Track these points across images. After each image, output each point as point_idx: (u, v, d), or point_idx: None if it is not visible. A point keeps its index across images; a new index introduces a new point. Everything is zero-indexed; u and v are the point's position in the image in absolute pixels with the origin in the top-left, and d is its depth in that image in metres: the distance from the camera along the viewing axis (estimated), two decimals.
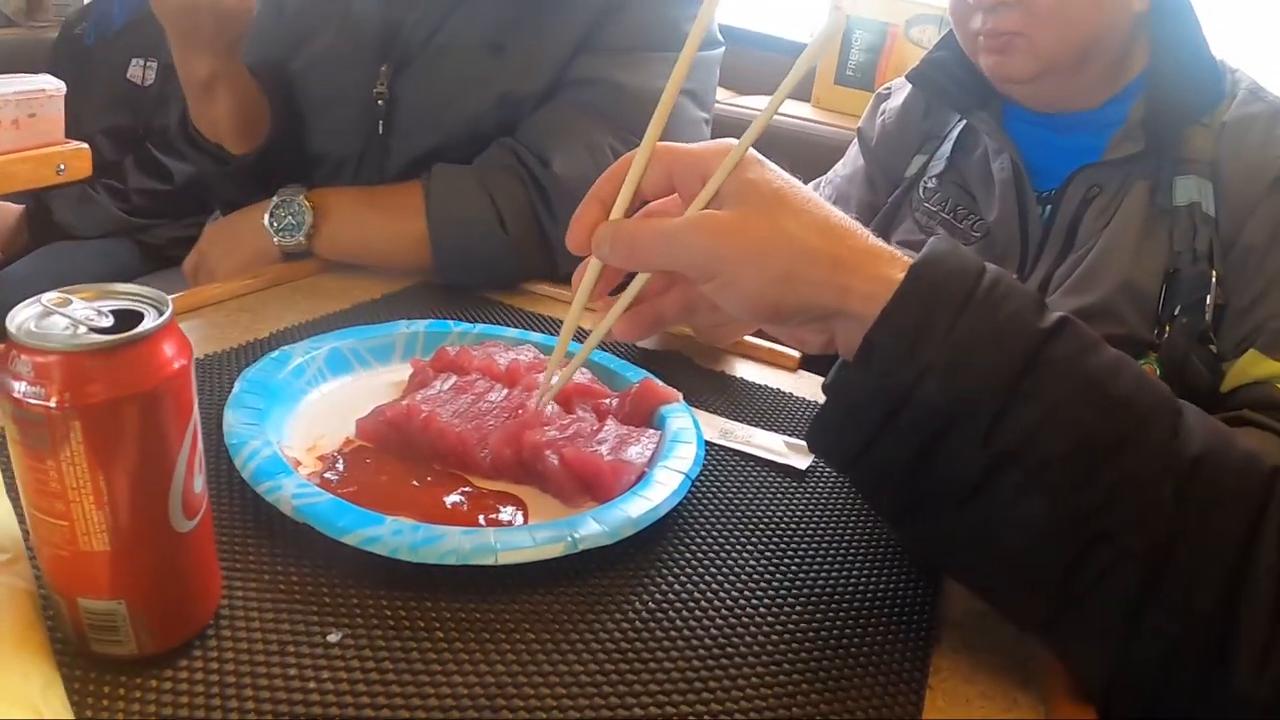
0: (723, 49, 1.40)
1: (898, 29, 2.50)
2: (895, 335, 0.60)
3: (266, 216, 1.19)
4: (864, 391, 0.61)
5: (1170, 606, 0.57)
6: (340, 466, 0.74)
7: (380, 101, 1.29)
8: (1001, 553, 0.61)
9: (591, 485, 0.74)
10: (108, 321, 0.50)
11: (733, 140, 0.66)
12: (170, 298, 0.52)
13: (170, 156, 2.24)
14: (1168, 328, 1.15)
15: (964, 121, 1.36)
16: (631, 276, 0.72)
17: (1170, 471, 0.58)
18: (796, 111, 2.40)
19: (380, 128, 1.31)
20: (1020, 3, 1.17)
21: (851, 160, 1.53)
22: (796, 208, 0.64)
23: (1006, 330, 0.60)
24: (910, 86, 1.44)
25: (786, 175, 0.67)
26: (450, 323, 0.99)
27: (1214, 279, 1.16)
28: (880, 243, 0.65)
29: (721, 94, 1.45)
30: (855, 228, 0.65)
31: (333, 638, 0.58)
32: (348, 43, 1.31)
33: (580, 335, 0.78)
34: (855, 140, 1.54)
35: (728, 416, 0.96)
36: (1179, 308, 1.15)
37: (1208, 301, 1.15)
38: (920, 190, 1.38)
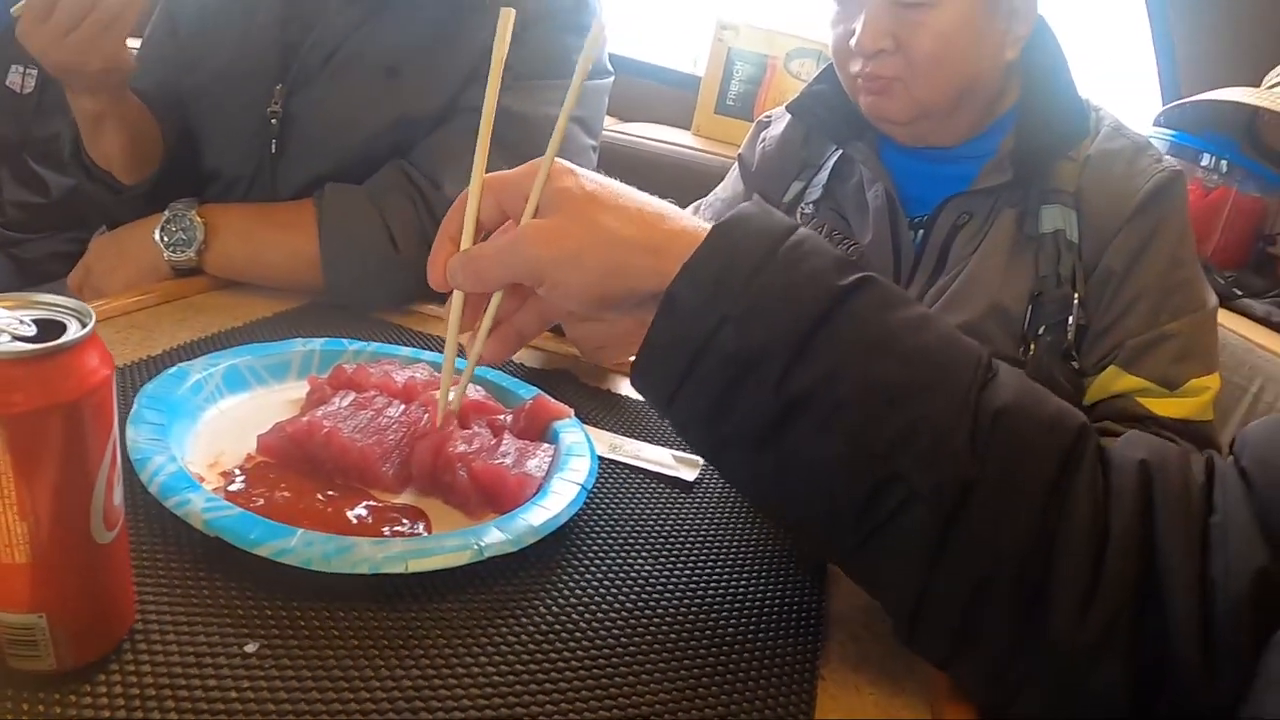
0: (612, 78, 1.43)
1: (777, 61, 2.56)
2: (694, 286, 0.64)
3: (157, 231, 1.18)
4: (669, 340, 0.65)
5: (973, 547, 0.61)
6: (244, 482, 0.74)
7: (274, 121, 1.29)
8: (800, 492, 0.66)
9: (496, 497, 0.77)
10: (31, 331, 0.50)
11: (539, 160, 0.72)
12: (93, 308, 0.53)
13: (48, 169, 2.18)
14: (1033, 346, 1.21)
15: (840, 151, 1.40)
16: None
17: (966, 418, 0.62)
18: (677, 139, 2.44)
19: (273, 148, 1.30)
20: (899, 50, 1.21)
21: (731, 184, 1.57)
22: (610, 205, 0.69)
23: (804, 285, 0.64)
24: (790, 116, 1.48)
25: (597, 177, 0.71)
26: (345, 341, 1.00)
27: (1076, 301, 1.22)
28: (695, 222, 0.69)
29: (609, 121, 1.48)
30: (668, 212, 0.70)
31: (250, 648, 0.59)
32: (243, 63, 1.31)
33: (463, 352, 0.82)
34: (735, 165, 1.58)
35: (616, 432, 0.99)
36: (1043, 328, 1.21)
37: (1070, 322, 1.21)
38: (797, 215, 1.41)
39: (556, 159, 0.71)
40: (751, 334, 0.62)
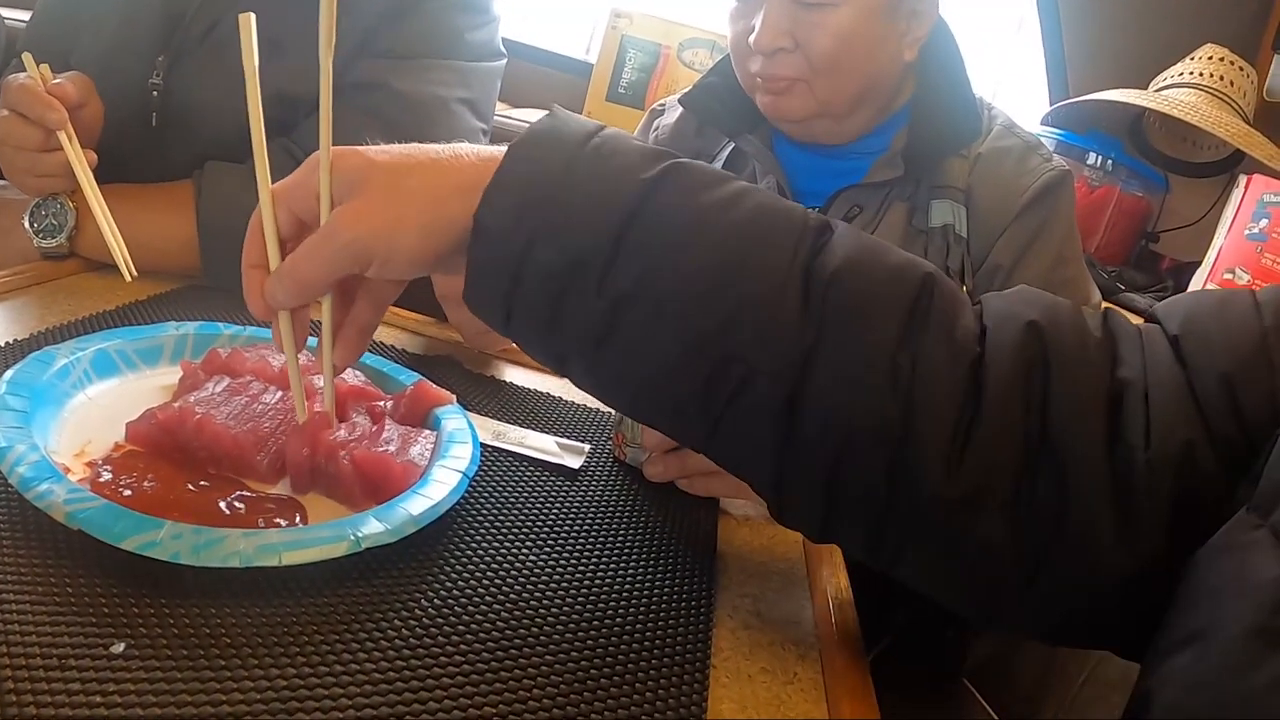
0: (504, 61, 1.41)
1: (670, 51, 2.55)
2: (499, 211, 0.63)
3: (27, 217, 1.13)
4: (486, 267, 0.65)
5: (823, 412, 0.62)
6: (111, 472, 0.71)
7: (154, 94, 1.26)
8: (646, 387, 0.66)
9: (380, 486, 0.75)
10: None
11: (316, 156, 0.69)
12: None
13: None
14: None
15: (733, 143, 1.40)
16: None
17: (794, 286, 0.62)
18: None
19: (154, 120, 1.27)
20: (797, 50, 1.21)
21: None
22: (404, 166, 0.67)
23: (607, 187, 0.64)
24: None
25: (377, 149, 0.69)
26: (220, 325, 0.97)
27: (964, 294, 1.23)
28: (491, 150, 0.68)
29: (498, 106, 1.46)
30: (461, 149, 0.68)
31: (116, 648, 0.56)
32: (128, 33, 1.28)
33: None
34: None
35: (500, 419, 0.98)
36: None
37: None
38: None
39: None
40: (564, 246, 0.62)
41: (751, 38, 1.23)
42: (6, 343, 0.91)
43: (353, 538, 0.66)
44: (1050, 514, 0.60)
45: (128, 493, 0.69)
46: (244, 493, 0.73)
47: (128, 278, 1.07)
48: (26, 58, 1.11)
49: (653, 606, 0.73)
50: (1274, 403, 0.58)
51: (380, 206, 0.66)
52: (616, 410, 0.75)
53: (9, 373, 0.77)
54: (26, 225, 1.14)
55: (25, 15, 1.55)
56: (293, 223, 0.72)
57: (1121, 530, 0.59)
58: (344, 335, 0.75)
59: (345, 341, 0.75)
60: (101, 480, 0.70)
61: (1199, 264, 1.96)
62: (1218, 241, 1.90)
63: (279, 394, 0.82)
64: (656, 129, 1.52)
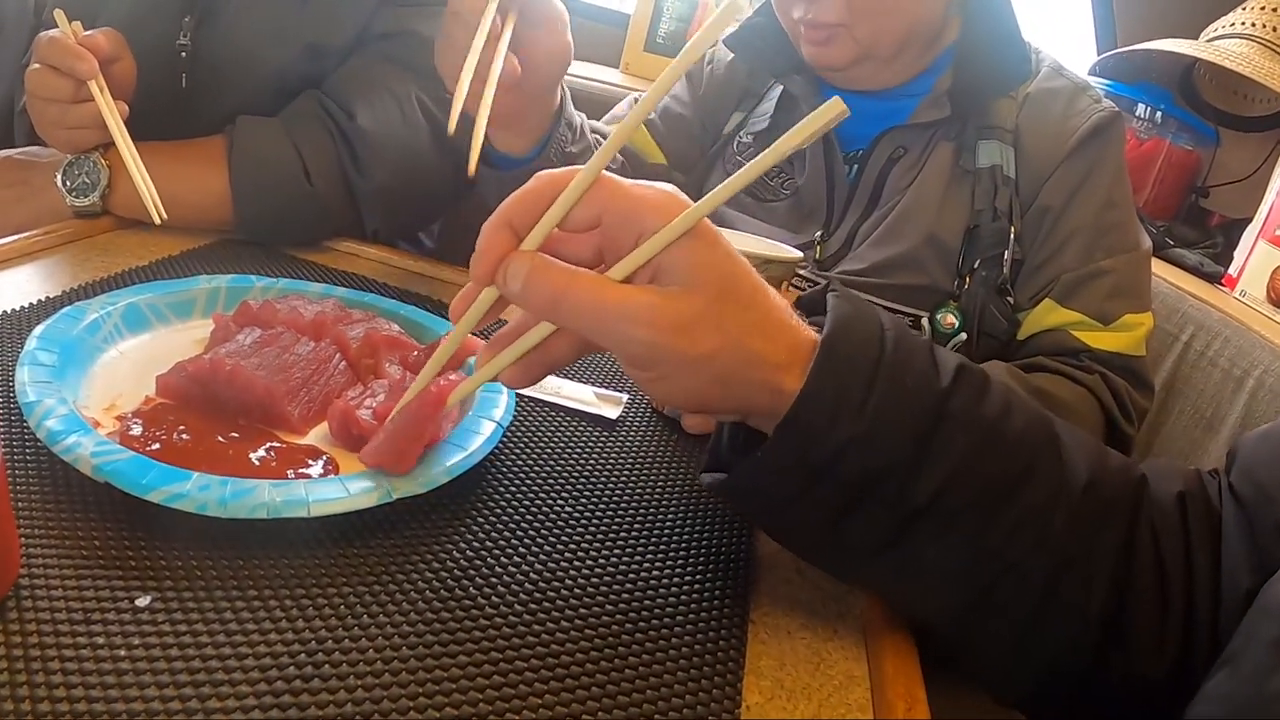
0: None
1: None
2: (814, 413, 0.60)
3: (59, 176, 1.12)
4: (782, 464, 0.62)
5: (1064, 612, 0.64)
6: (141, 425, 0.70)
7: (183, 54, 1.25)
8: (913, 591, 0.67)
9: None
10: None
11: (677, 197, 0.60)
12: None
13: None
14: (968, 279, 1.21)
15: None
16: None
17: (1063, 498, 0.64)
18: (605, 77, 2.39)
19: (183, 81, 1.26)
20: None
21: (683, 94, 1.49)
22: (743, 303, 0.60)
23: (913, 394, 0.62)
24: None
25: (734, 252, 0.61)
26: (253, 277, 0.96)
27: (1012, 236, 1.21)
28: (805, 327, 0.63)
29: None
30: (787, 318, 0.63)
31: (141, 601, 0.55)
32: None
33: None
34: (684, 81, 1.49)
35: None
36: (978, 261, 1.21)
37: (1005, 256, 1.21)
38: (735, 145, 1.39)
39: (705, 219, 0.59)
40: (873, 453, 0.61)
41: None
42: (39, 300, 0.90)
43: (384, 488, 0.65)
44: (1185, 659, 0.64)
45: (156, 446, 0.68)
46: (275, 444, 0.72)
47: (157, 221, 1.06)
48: (59, 14, 1.10)
49: (690, 560, 0.71)
50: None
51: (697, 330, 0.58)
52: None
53: (39, 328, 0.77)
54: (59, 183, 1.13)
55: None
56: (586, 224, 0.60)
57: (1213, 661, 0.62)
58: (531, 360, 0.64)
59: (529, 365, 0.64)
60: (131, 433, 0.69)
61: (1249, 221, 1.90)
62: (1269, 198, 1.84)
63: (311, 344, 0.81)
64: (710, 62, 1.48)
